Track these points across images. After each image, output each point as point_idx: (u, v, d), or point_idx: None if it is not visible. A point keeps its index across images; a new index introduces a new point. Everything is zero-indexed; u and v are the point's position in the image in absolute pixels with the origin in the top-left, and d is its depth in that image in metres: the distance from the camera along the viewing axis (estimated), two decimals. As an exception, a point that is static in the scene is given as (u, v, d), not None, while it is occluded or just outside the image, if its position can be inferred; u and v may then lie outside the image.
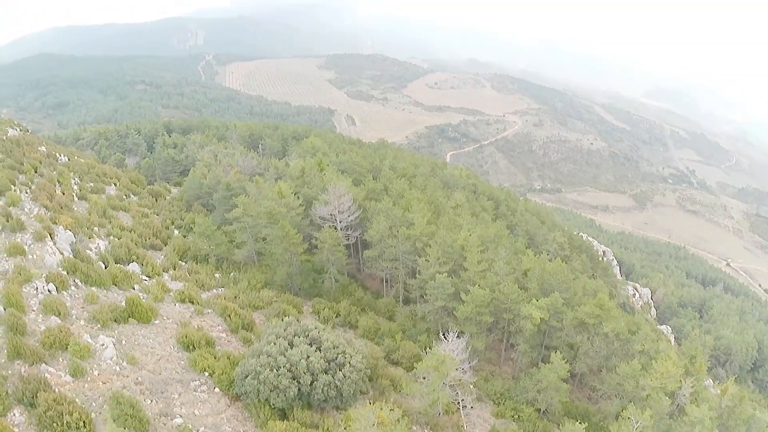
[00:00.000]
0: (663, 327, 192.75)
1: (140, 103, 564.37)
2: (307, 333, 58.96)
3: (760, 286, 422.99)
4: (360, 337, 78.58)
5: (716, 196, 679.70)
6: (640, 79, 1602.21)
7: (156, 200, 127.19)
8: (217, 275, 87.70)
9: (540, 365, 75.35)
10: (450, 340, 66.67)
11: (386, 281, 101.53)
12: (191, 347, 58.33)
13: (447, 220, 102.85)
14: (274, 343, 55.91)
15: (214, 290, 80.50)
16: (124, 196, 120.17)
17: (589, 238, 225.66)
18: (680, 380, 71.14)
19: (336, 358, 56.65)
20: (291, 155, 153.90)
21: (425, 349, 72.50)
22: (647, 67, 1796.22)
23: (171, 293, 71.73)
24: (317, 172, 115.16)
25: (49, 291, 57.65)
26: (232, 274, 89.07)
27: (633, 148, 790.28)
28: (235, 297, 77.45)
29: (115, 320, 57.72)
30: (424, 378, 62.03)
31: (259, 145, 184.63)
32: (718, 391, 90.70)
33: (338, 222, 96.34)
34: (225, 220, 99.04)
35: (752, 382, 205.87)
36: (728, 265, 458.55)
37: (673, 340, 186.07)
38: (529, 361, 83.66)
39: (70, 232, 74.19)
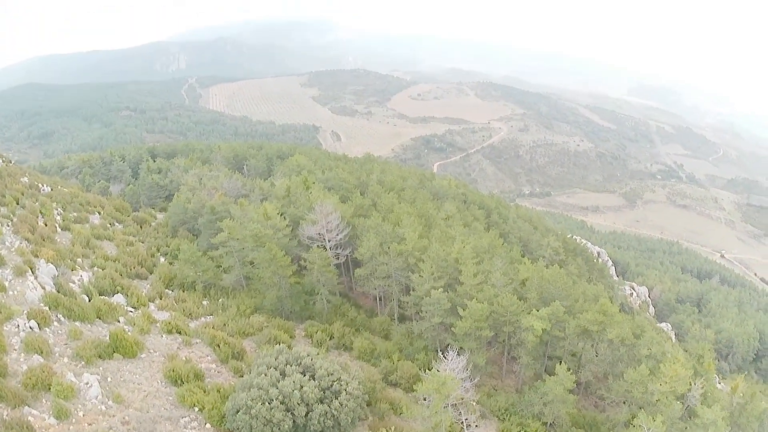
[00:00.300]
0: (663, 324, 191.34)
1: (125, 130, 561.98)
2: (299, 361, 56.15)
3: (755, 275, 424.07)
4: (355, 359, 76.11)
5: (706, 188, 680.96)
6: (623, 78, 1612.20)
7: (141, 227, 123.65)
8: (204, 302, 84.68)
9: (544, 377, 73.19)
10: (450, 359, 64.07)
11: (380, 299, 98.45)
12: (179, 381, 55.45)
13: (439, 232, 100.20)
14: (265, 374, 53.12)
15: (203, 318, 77.72)
16: (109, 225, 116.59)
17: (582, 240, 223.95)
18: (690, 382, 69.04)
19: (331, 386, 53.83)
20: (276, 175, 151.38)
21: (424, 368, 70.25)
22: (630, 65, 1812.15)
23: (157, 324, 68.96)
24: (303, 190, 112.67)
25: (30, 328, 54.98)
26: (220, 300, 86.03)
27: (620, 147, 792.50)
28: (224, 324, 74.63)
29: (99, 356, 54.82)
30: (424, 399, 59.53)
31: (244, 166, 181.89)
32: (727, 388, 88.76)
33: (327, 241, 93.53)
34: (211, 245, 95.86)
35: (755, 372, 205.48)
36: (722, 256, 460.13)
37: (673, 337, 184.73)
38: (533, 373, 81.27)
39: (52, 265, 71.40)
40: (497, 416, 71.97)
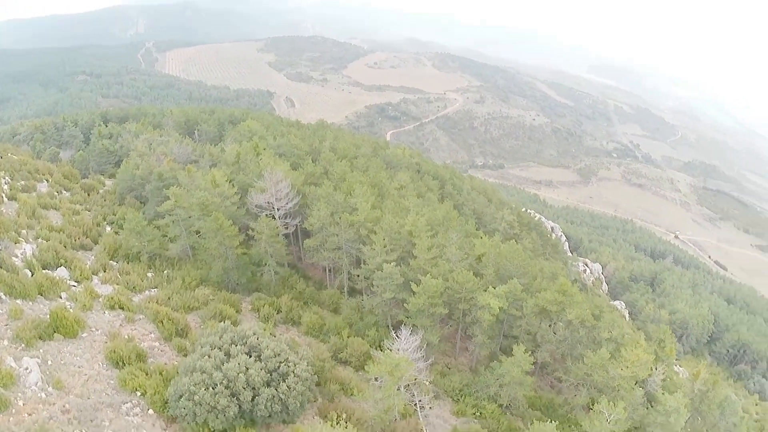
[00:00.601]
0: (616, 302, 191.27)
1: (81, 94, 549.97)
2: (245, 340, 52.55)
3: (710, 257, 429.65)
4: (304, 335, 73.12)
5: (662, 169, 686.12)
6: (583, 57, 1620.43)
7: (89, 195, 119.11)
8: (149, 274, 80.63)
9: (500, 357, 70.74)
10: (403, 337, 60.73)
11: (329, 270, 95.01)
12: (121, 363, 51.94)
13: (392, 203, 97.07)
14: (209, 356, 49.51)
15: (147, 292, 73.77)
16: (56, 193, 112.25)
17: (537, 214, 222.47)
18: (651, 367, 67.21)
19: (278, 368, 50.38)
20: (227, 140, 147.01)
21: (375, 345, 68.50)
22: (591, 44, 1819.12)
23: (100, 299, 65.22)
24: (253, 157, 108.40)
25: None
26: (165, 272, 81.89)
27: (576, 124, 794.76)
28: (169, 298, 70.85)
29: (39, 337, 51.25)
30: (376, 380, 57.02)
31: (195, 132, 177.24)
32: (683, 371, 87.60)
33: (276, 210, 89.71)
34: (158, 213, 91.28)
35: (709, 354, 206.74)
36: (676, 237, 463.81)
37: (627, 316, 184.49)
38: (488, 352, 78.49)
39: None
40: (451, 397, 69.77)
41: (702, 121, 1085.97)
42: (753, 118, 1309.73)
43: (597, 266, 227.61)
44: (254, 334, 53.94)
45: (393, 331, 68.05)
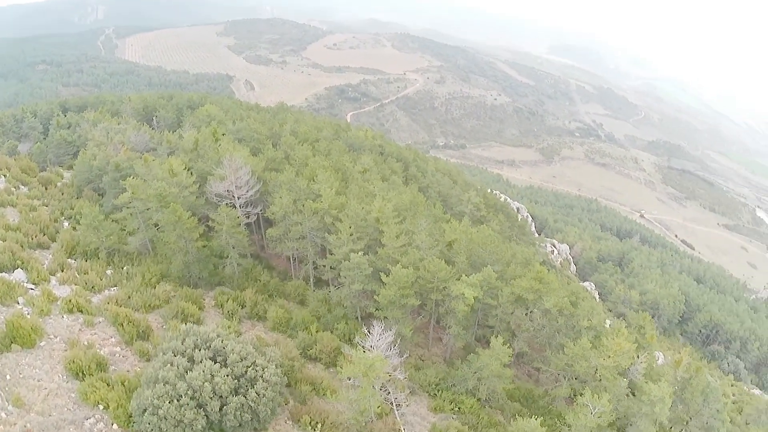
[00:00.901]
0: (585, 284, 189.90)
1: (41, 84, 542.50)
2: (208, 344, 49.05)
3: (676, 236, 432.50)
4: (270, 331, 69.86)
5: (626, 149, 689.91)
6: (544, 37, 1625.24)
7: (46, 189, 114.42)
8: (108, 272, 76.66)
9: (476, 348, 67.89)
10: (375, 333, 57.32)
11: (294, 259, 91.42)
12: (81, 374, 48.70)
13: (357, 188, 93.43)
14: (171, 364, 45.92)
15: (106, 291, 70.04)
16: (13, 189, 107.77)
17: (503, 195, 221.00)
18: (633, 356, 65.09)
19: (245, 373, 47.04)
20: (185, 126, 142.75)
21: (346, 339, 66.60)
22: (552, 24, 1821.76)
23: (58, 302, 61.72)
24: (212, 143, 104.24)
25: None
26: (125, 268, 77.97)
27: (538, 103, 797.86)
28: (129, 297, 67.24)
29: None
30: (349, 379, 54.36)
31: (154, 118, 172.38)
32: (663, 357, 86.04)
33: (236, 198, 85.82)
34: (116, 206, 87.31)
35: (681, 335, 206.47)
36: (642, 216, 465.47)
37: (597, 297, 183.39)
38: (464, 343, 75.42)
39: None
40: (428, 392, 66.96)
41: (665, 102, 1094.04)
42: (715, 98, 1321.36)
43: (564, 247, 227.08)
44: (218, 336, 50.46)
45: (364, 325, 65.76)
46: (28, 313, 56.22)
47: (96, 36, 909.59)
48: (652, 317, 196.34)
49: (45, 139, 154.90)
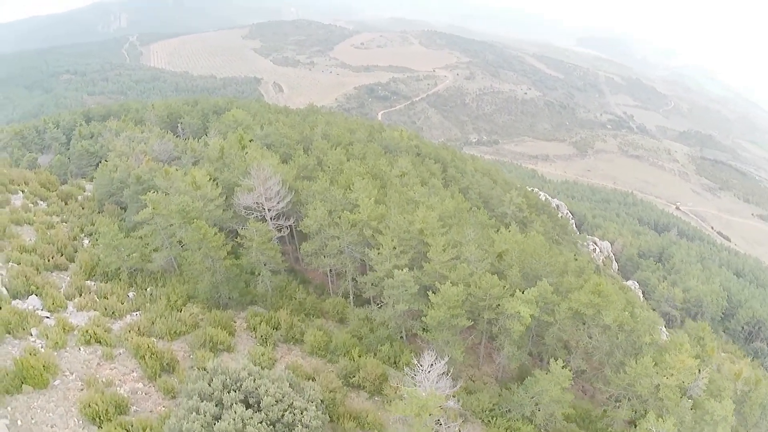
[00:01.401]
0: (629, 282, 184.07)
1: (65, 94, 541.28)
2: (239, 383, 43.44)
3: (712, 228, 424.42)
4: (308, 355, 64.32)
5: (658, 140, 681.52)
6: (570, 30, 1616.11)
7: (66, 204, 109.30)
8: (130, 294, 71.18)
9: (533, 372, 62.28)
10: (425, 363, 51.44)
11: (332, 272, 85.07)
12: (98, 419, 43.91)
13: (397, 195, 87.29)
14: (197, 411, 40.28)
15: (128, 317, 64.77)
16: (31, 205, 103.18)
17: (544, 194, 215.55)
18: (695, 372, 60.91)
19: (282, 418, 41.55)
20: (210, 133, 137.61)
21: (391, 362, 62.14)
22: (577, 18, 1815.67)
23: (75, 332, 56.72)
24: (239, 150, 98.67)
25: None
26: (148, 289, 72.51)
27: (568, 96, 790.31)
28: (152, 323, 62.10)
29: (6, 391, 44.04)
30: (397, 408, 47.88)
31: (178, 125, 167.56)
32: (726, 370, 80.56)
33: (267, 211, 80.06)
34: (138, 222, 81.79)
35: (724, 332, 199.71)
36: (678, 208, 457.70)
37: (641, 296, 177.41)
38: (518, 364, 69.46)
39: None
40: (481, 418, 61.30)
41: (693, 91, 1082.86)
42: (744, 86, 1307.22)
43: (606, 244, 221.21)
44: (250, 375, 44.68)
45: (410, 345, 61.29)
46: (41, 347, 51.85)
47: (120, 44, 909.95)
48: (696, 315, 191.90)
49: (67, 150, 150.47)
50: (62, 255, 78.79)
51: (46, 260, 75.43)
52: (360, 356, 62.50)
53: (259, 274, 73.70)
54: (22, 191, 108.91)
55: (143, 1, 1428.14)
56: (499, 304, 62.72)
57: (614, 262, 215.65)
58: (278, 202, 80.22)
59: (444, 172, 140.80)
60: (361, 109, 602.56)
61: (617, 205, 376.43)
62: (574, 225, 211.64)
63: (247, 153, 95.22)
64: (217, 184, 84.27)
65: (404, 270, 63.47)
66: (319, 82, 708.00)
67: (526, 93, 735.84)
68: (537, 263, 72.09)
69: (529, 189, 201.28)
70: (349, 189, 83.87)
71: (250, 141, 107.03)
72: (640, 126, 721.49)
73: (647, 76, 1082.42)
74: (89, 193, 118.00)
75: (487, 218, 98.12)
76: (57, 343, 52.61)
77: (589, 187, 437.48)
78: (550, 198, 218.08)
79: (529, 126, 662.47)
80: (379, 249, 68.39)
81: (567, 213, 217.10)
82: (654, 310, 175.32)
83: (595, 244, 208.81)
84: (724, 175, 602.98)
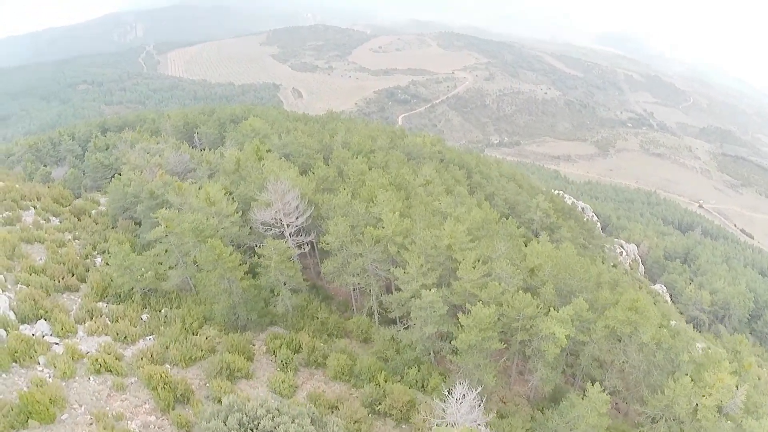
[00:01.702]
0: (656, 286, 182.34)
1: (83, 104, 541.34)
2: (256, 422, 40.26)
3: (735, 226, 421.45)
4: (331, 380, 61.18)
5: (679, 137, 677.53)
6: (587, 28, 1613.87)
7: (79, 219, 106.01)
8: (144, 316, 68.02)
9: (567, 394, 59.07)
10: (457, 395, 48.31)
11: (356, 289, 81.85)
12: None
13: (422, 207, 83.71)
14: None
15: (141, 342, 61.76)
16: (43, 222, 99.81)
17: (567, 196, 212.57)
18: (733, 390, 57.88)
19: (303, 461, 38.02)
20: (227, 143, 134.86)
21: (419, 387, 59.37)
22: (594, 15, 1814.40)
23: (85, 360, 53.78)
24: (255, 162, 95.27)
25: None
26: (163, 310, 69.21)
27: (588, 95, 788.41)
28: (166, 348, 59.13)
29: (12, 426, 41.43)
30: None
31: (195, 135, 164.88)
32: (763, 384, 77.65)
33: (285, 227, 76.67)
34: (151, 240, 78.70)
35: (750, 334, 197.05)
36: (701, 206, 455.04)
37: (669, 299, 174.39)
38: (552, 386, 66.07)
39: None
40: (514, 445, 57.89)
41: (711, 86, 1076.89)
42: (759, 79, 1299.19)
43: (632, 247, 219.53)
44: (268, 412, 41.45)
45: (438, 367, 59.18)
46: (49, 376, 49.13)
47: (137, 53, 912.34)
48: (723, 318, 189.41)
49: (82, 163, 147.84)
50: (73, 275, 75.63)
51: (57, 281, 72.41)
52: (386, 381, 59.29)
53: (279, 294, 70.45)
54: (34, 207, 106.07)
55: (158, 11, 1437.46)
56: (532, 325, 59.46)
57: (641, 265, 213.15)
58: (297, 218, 77.05)
59: (469, 178, 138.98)
60: (382, 113, 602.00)
61: (641, 204, 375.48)
62: (600, 228, 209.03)
63: (264, 165, 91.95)
64: (233, 198, 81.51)
65: (432, 290, 60.16)
66: (338, 86, 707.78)
67: (546, 93, 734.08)
68: (571, 278, 68.65)
69: (555, 192, 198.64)
70: (372, 202, 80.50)
71: (268, 151, 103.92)
72: (661, 123, 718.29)
73: (665, 72, 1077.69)
74: (103, 208, 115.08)
75: (515, 228, 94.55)
76: (65, 372, 49.91)
77: (612, 187, 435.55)
78: (575, 201, 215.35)
79: (550, 126, 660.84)
80: (405, 267, 65.24)
81: (592, 216, 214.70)
82: (681, 313, 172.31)
83: (622, 247, 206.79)
84: (745, 171, 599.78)
